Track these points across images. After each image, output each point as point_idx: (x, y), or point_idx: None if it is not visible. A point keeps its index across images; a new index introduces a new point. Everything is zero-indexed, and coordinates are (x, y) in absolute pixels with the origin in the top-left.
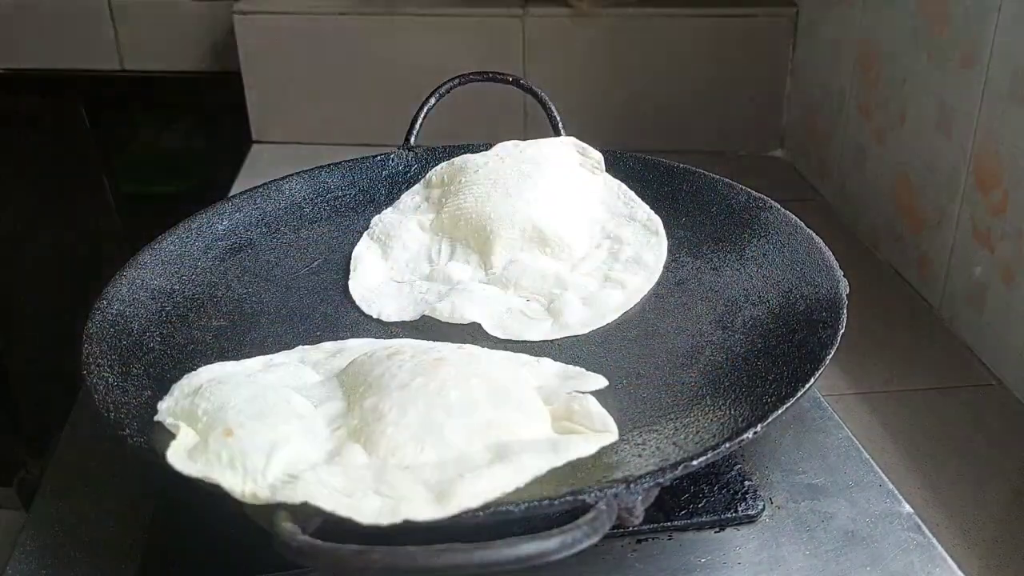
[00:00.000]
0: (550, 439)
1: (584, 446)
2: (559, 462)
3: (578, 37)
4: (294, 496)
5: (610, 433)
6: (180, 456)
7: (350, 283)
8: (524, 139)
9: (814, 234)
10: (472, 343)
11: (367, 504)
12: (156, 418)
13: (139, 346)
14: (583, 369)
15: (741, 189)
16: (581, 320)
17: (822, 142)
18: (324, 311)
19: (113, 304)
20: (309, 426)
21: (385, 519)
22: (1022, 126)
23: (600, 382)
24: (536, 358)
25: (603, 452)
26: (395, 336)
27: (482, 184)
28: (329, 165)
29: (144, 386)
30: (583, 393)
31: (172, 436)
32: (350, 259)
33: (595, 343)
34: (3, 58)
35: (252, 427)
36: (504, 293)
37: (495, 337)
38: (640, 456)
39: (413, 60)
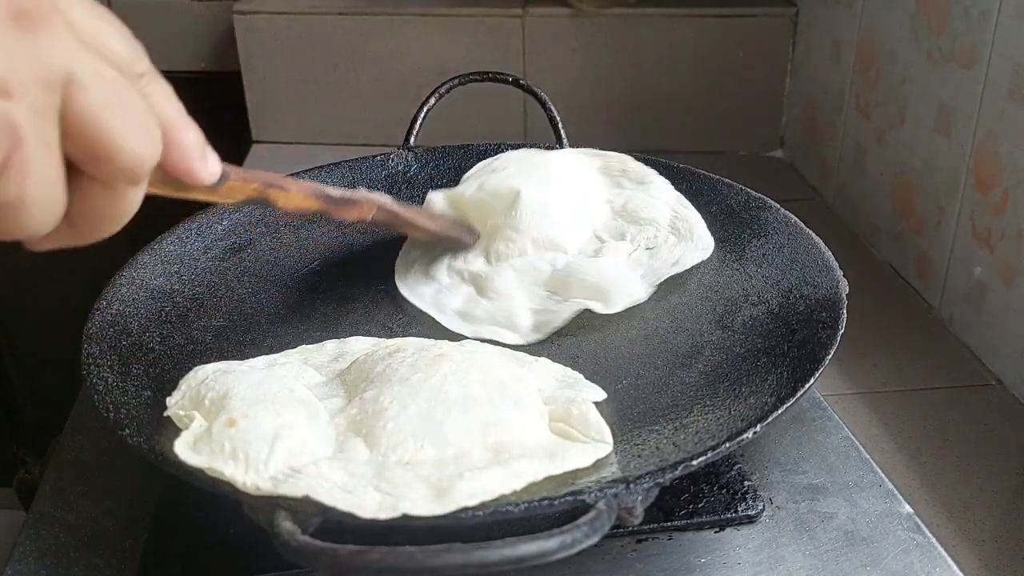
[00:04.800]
0: (547, 447)
1: (581, 457)
2: (556, 471)
3: (578, 37)
4: (295, 490)
5: (605, 444)
6: (186, 447)
7: None
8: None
9: (814, 234)
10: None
11: (366, 499)
12: (166, 413)
13: (139, 346)
14: (581, 376)
15: (741, 189)
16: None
17: (822, 142)
18: (324, 311)
19: (113, 304)
20: (313, 412)
21: (384, 514)
22: (1022, 126)
23: (598, 394)
24: (535, 357)
25: None
26: (397, 336)
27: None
28: (329, 165)
29: (144, 386)
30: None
31: (174, 435)
32: (350, 259)
33: (595, 343)
34: None
35: (255, 414)
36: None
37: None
38: (639, 456)
39: (413, 60)
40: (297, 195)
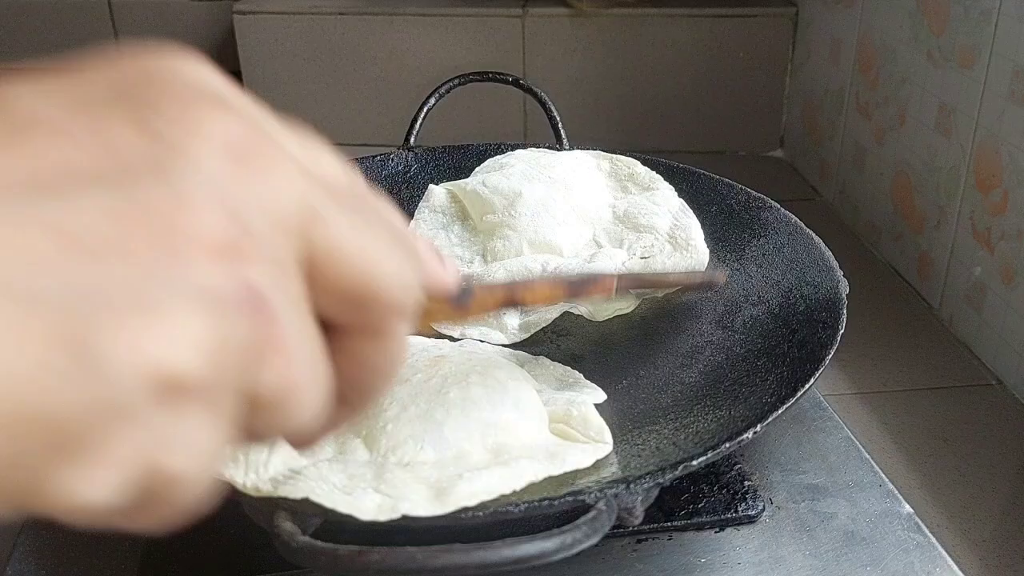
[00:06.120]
0: (547, 448)
1: (581, 457)
2: (556, 471)
3: (578, 37)
4: (295, 492)
5: (605, 445)
6: None
7: None
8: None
9: (814, 234)
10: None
11: (366, 501)
12: None
13: None
14: (581, 376)
15: (741, 189)
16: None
17: (822, 142)
18: None
19: None
20: None
21: (384, 515)
22: (1022, 126)
23: (598, 395)
24: (535, 357)
25: None
26: None
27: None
28: None
29: None
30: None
31: None
32: None
33: (595, 342)
34: (3, 58)
35: None
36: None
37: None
38: (640, 456)
39: (413, 60)
40: (542, 288)
